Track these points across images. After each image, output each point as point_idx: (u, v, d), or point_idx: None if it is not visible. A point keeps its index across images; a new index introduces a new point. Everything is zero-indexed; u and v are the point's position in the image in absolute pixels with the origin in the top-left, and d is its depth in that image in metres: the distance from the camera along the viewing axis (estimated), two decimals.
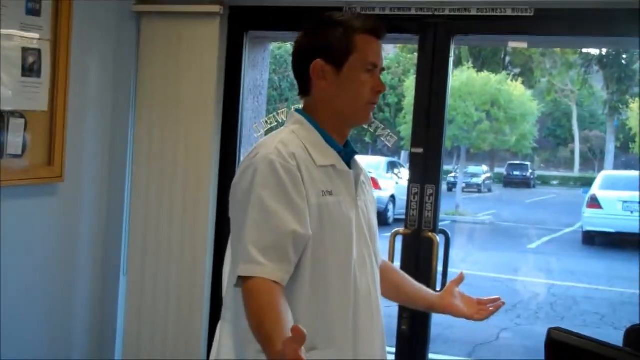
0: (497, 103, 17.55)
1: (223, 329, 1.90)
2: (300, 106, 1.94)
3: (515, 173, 28.27)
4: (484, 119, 17.59)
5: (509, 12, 3.15)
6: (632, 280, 10.03)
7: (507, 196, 23.06)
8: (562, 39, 3.51)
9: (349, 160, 1.92)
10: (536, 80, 28.49)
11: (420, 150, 3.26)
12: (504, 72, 21.29)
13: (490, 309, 2.14)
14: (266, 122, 3.61)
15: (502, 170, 29.38)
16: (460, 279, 2.17)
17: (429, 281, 3.18)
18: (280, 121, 3.54)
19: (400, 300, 2.29)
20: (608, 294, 9.20)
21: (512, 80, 20.32)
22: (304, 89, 1.90)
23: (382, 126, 3.55)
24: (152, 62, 3.54)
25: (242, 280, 1.68)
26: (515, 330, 7.37)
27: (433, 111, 3.25)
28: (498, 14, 3.16)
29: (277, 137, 1.82)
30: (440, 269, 3.26)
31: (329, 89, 1.84)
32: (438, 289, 3.18)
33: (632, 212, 13.17)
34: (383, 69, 1.90)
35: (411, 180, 3.29)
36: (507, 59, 28.22)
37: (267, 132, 3.55)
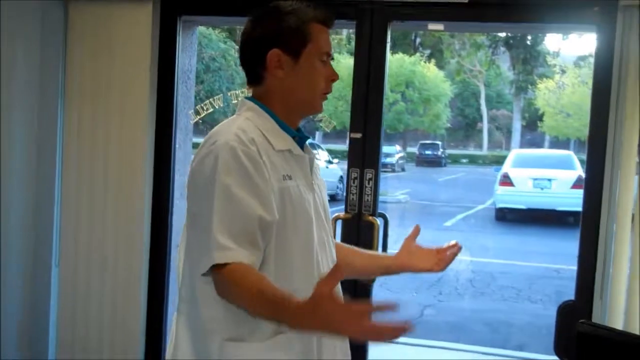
0: (411, 84, 17.88)
1: (179, 322, 1.87)
2: (248, 93, 1.94)
3: (427, 152, 28.78)
4: (399, 100, 17.89)
5: None
6: (544, 254, 10.44)
7: (420, 175, 23.51)
8: (495, 25, 3.60)
9: (301, 145, 1.93)
10: (446, 61, 29.08)
11: (359, 135, 3.30)
12: (417, 54, 21.64)
13: (449, 255, 2.09)
14: (202, 108, 3.57)
15: (414, 150, 29.91)
16: (416, 232, 2.11)
17: None
18: (217, 107, 3.51)
19: (356, 273, 2.25)
20: (523, 268, 9.54)
21: (425, 62, 20.69)
22: (255, 78, 1.89)
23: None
24: (81, 48, 3.44)
25: (217, 269, 1.66)
26: (439, 307, 7.57)
27: (371, 97, 3.28)
28: (434, 0, 3.21)
29: (233, 124, 1.80)
30: (380, 251, 3.30)
31: (286, 79, 1.84)
32: None
33: (542, 189, 13.68)
34: (332, 58, 1.92)
35: (350, 165, 3.32)
36: (418, 40, 28.69)
37: (204, 119, 3.51)
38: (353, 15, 3.30)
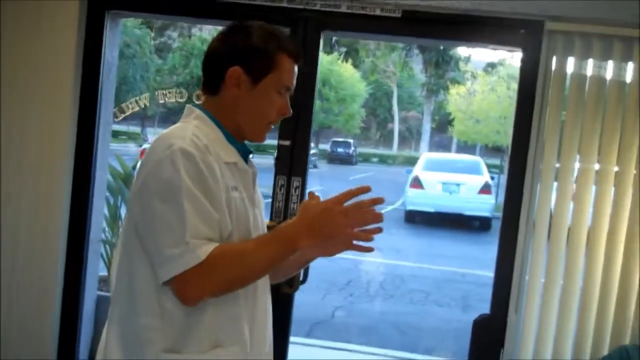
0: (328, 83, 17.97)
1: (111, 331, 1.82)
2: (197, 101, 1.91)
3: (339, 150, 29.06)
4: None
5: (377, 12, 3.23)
6: (451, 258, 10.71)
7: (331, 172, 23.69)
8: (425, 40, 3.65)
9: (245, 159, 1.92)
10: (361, 60, 29.40)
11: (287, 143, 3.29)
12: (335, 53, 21.77)
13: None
14: (127, 106, 3.49)
15: (326, 147, 30.13)
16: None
17: None
18: (143, 106, 3.44)
19: (283, 274, 2.13)
20: (431, 272, 9.74)
21: (342, 61, 20.84)
22: (212, 89, 1.86)
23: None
24: (11, 42, 3.33)
25: (192, 270, 1.65)
26: (349, 308, 7.65)
27: (301, 105, 3.27)
28: (368, 12, 3.23)
29: (186, 130, 1.76)
30: None
31: (240, 98, 1.82)
32: (301, 278, 3.25)
33: (451, 193, 14.02)
34: (291, 93, 1.90)
35: (278, 172, 3.31)
36: (334, 38, 28.86)
37: (128, 117, 3.44)
38: (287, 22, 3.28)
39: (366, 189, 1.76)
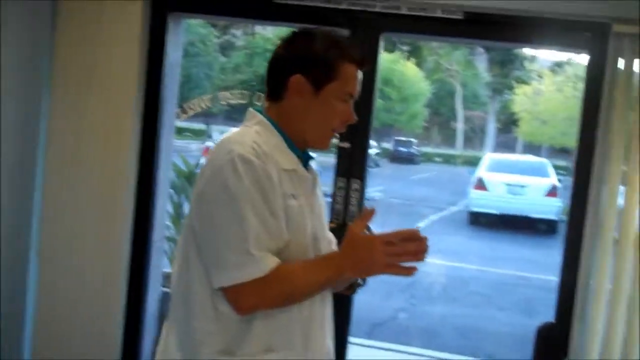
0: (390, 82, 17.88)
1: (170, 331, 1.86)
2: (259, 104, 1.91)
3: (402, 149, 28.84)
4: (377, 96, 17.93)
5: (438, 14, 3.19)
6: (514, 261, 10.53)
7: (393, 172, 23.55)
8: (488, 43, 3.59)
9: (306, 165, 1.91)
10: (424, 59, 29.16)
11: (347, 145, 3.28)
12: (397, 52, 21.66)
13: None
14: (189, 107, 3.53)
15: (389, 146, 29.94)
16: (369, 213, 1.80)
17: None
18: (205, 107, 3.47)
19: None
20: (493, 275, 9.60)
21: (405, 60, 20.72)
22: (274, 96, 1.86)
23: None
24: (70, 43, 3.40)
25: (253, 281, 1.67)
26: (411, 310, 7.59)
27: (360, 107, 3.24)
28: (428, 14, 3.19)
29: (246, 136, 1.77)
30: None
31: (302, 106, 1.82)
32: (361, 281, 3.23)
33: (515, 195, 13.78)
34: (356, 99, 1.89)
35: (337, 174, 3.30)
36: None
37: (191, 118, 3.47)
38: (346, 24, 3.26)
39: (415, 234, 1.71)
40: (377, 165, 25.83)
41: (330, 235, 2.04)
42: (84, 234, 3.45)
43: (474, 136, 37.25)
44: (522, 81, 27.96)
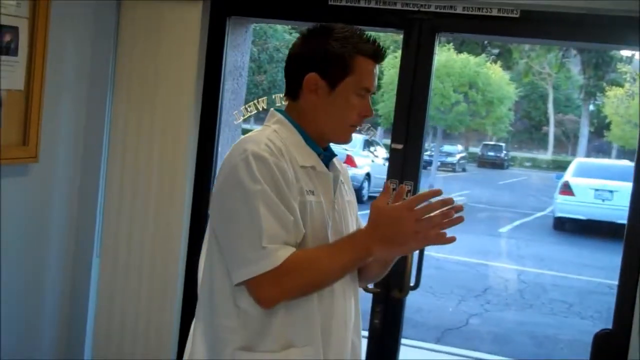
0: (475, 85, 17.61)
1: (197, 328, 1.90)
2: (280, 105, 1.94)
3: (490, 153, 28.44)
4: (462, 100, 17.66)
5: (494, 12, 3.13)
6: (600, 268, 10.19)
7: (480, 176, 23.24)
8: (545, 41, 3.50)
9: (327, 162, 1.92)
10: (514, 61, 28.57)
11: (400, 147, 3.25)
12: (483, 55, 21.30)
13: None
14: (246, 109, 3.58)
15: (477, 150, 29.52)
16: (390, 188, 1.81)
17: (403, 274, 3.18)
18: (260, 109, 3.51)
19: (368, 276, 2.07)
20: (576, 282, 9.32)
21: (491, 63, 20.36)
22: (292, 94, 1.89)
23: None
24: (132, 44, 3.48)
25: (268, 273, 1.69)
26: (485, 316, 7.46)
27: (415, 108, 3.23)
28: (484, 13, 3.14)
29: (262, 135, 1.81)
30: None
31: (318, 104, 1.84)
32: (412, 283, 3.20)
33: (603, 200, 13.33)
34: (374, 93, 1.89)
35: (389, 176, 3.28)
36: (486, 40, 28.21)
37: (246, 120, 3.52)
38: (401, 25, 3.25)
39: (437, 192, 1.70)
40: (463, 170, 25.53)
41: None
42: (142, 234, 3.53)
43: (567, 141, 36.25)
44: (616, 83, 27.03)
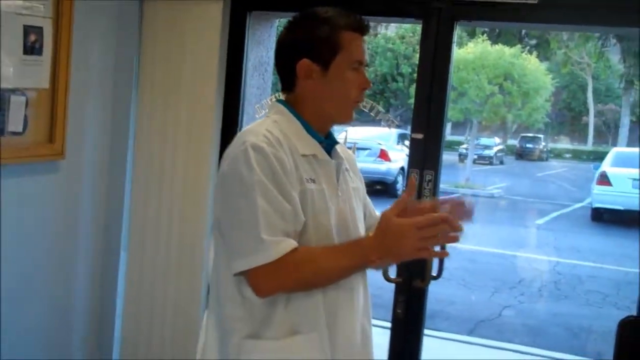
0: (510, 77, 17.40)
1: (208, 318, 1.93)
2: (282, 96, 1.96)
3: (528, 145, 28.10)
4: (497, 92, 17.47)
5: (513, 0, 3.11)
6: (637, 259, 10.01)
7: (518, 169, 22.98)
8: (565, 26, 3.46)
9: (330, 150, 1.94)
10: (552, 52, 28.19)
11: (420, 136, 3.25)
12: (518, 46, 21.03)
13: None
14: (267, 103, 3.61)
15: (515, 142, 29.19)
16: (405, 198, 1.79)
17: (425, 266, 3.18)
18: None
19: None
20: (613, 273, 9.19)
21: (526, 54, 20.10)
22: (287, 85, 1.91)
23: (382, 110, 3.54)
24: (155, 41, 3.53)
25: (268, 265, 1.70)
26: (518, 308, 7.40)
27: (434, 98, 3.23)
28: (502, 0, 3.12)
29: (261, 126, 1.84)
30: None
31: (316, 88, 1.86)
32: (434, 273, 3.20)
33: None
34: (367, 65, 1.90)
35: (410, 166, 3.28)
36: (523, 31, 27.88)
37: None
38: (420, 14, 3.25)
39: (448, 219, 1.68)
40: (501, 162, 25.26)
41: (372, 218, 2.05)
42: (169, 230, 3.58)
43: (607, 131, 35.67)
44: None
